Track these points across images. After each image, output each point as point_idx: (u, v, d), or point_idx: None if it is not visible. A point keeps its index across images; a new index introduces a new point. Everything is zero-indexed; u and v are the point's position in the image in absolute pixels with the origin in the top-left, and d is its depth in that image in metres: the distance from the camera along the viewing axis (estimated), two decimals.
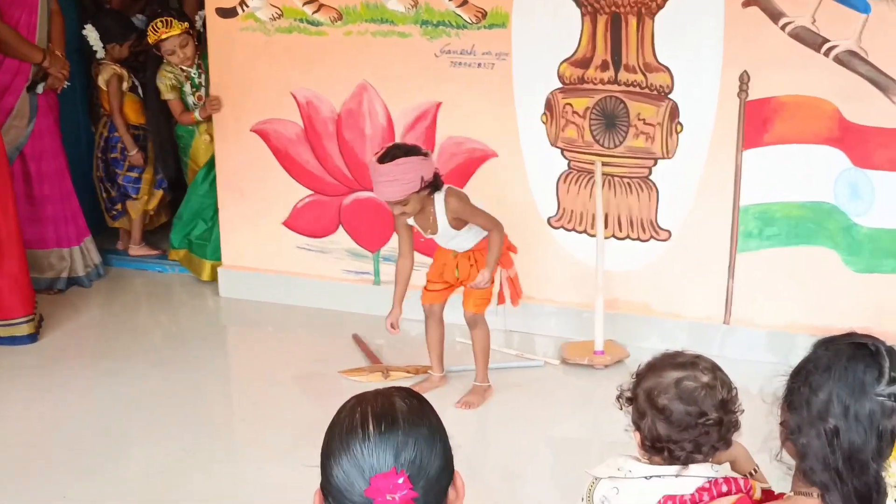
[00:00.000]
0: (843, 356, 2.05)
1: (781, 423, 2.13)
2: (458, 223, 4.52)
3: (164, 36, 5.93)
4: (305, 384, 5.14)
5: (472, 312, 4.71)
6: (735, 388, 2.48)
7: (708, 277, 5.17)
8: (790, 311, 5.05)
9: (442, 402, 4.69)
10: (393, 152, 4.35)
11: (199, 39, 6.03)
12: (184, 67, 6.02)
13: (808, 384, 2.06)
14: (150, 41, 6.03)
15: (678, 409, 2.40)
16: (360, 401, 1.77)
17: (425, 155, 4.43)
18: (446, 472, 1.74)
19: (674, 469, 2.41)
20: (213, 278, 6.17)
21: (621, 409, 2.53)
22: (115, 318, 5.90)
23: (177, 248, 6.32)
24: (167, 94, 6.06)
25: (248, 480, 4.27)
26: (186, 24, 6.00)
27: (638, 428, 2.47)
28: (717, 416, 2.42)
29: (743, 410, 2.48)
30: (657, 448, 2.44)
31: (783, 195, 4.98)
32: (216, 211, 6.07)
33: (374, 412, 1.72)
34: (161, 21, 5.94)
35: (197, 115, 6.00)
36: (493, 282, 4.63)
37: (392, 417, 1.71)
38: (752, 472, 2.60)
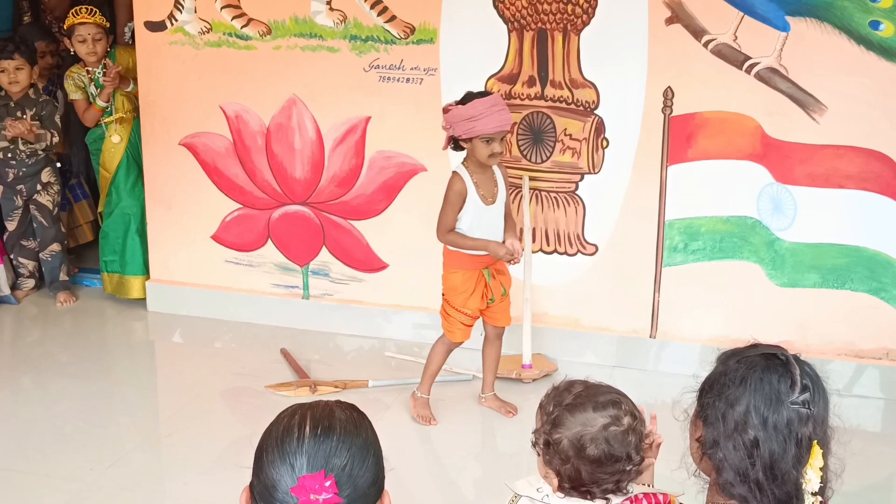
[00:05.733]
0: (757, 367, 2.07)
1: (697, 440, 2.14)
2: None
3: (81, 20, 5.79)
4: (232, 399, 5.11)
5: (506, 325, 4.74)
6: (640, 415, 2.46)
7: (634, 292, 5.22)
8: (715, 324, 5.11)
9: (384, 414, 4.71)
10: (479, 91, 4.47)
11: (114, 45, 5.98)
12: (90, 69, 5.91)
13: (723, 398, 2.07)
14: (65, 25, 5.91)
15: (607, 456, 2.35)
16: (301, 406, 1.81)
17: None
18: (375, 487, 1.75)
19: None
20: (144, 296, 6.10)
21: (539, 455, 2.43)
22: (39, 333, 5.84)
23: (109, 273, 6.20)
24: (73, 94, 5.95)
25: (173, 496, 4.25)
26: (108, 24, 5.91)
27: (558, 473, 2.38)
28: (641, 456, 2.40)
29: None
30: (580, 491, 2.39)
31: (708, 210, 5.05)
32: (144, 225, 6.01)
33: (313, 416, 1.76)
34: (85, 8, 5.83)
35: (98, 101, 5.88)
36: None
37: (329, 424, 1.74)
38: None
